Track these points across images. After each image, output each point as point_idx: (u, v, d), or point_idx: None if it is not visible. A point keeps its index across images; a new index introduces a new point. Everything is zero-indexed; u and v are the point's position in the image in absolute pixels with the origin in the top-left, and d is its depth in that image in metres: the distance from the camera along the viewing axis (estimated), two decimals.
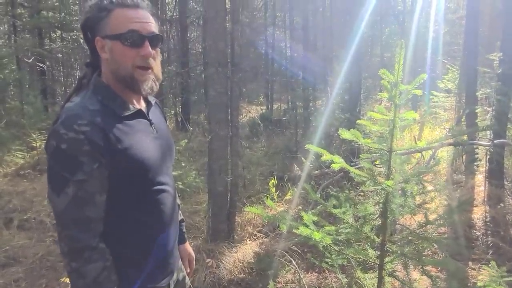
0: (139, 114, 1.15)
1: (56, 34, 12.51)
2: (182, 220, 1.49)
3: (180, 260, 1.39)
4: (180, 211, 1.47)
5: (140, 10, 1.09)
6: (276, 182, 4.94)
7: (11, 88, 9.81)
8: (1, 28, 14.10)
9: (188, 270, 1.48)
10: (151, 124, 1.18)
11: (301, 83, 8.82)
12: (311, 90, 8.63)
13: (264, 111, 13.08)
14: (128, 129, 1.09)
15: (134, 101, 1.15)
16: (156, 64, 1.13)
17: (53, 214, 1.03)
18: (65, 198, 0.98)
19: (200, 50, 14.64)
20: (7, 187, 5.66)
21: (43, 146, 6.99)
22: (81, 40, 9.84)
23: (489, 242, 3.87)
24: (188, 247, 1.52)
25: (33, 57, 9.52)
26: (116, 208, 1.08)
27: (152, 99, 1.26)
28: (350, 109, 6.06)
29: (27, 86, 9.39)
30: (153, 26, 1.11)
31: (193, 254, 1.53)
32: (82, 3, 11.03)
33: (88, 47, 1.14)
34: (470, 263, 3.51)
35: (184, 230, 1.51)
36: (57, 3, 10.28)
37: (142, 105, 1.19)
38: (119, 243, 1.10)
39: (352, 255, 1.53)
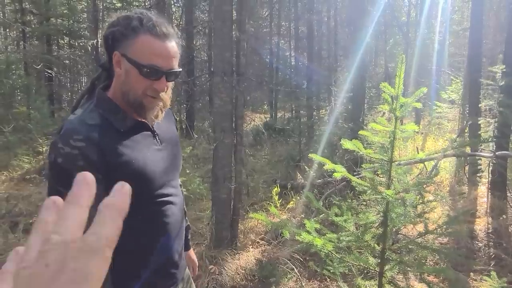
0: (142, 127, 1.14)
1: (64, 41, 12.71)
2: (188, 227, 1.49)
3: (186, 270, 1.38)
4: (186, 218, 1.48)
5: (168, 42, 1.07)
6: (279, 190, 4.97)
7: (19, 93, 9.96)
8: (11, 35, 14.33)
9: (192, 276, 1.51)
10: (154, 136, 1.17)
11: (305, 92, 8.90)
12: (315, 99, 8.70)
13: (268, 119, 13.16)
14: (127, 144, 1.08)
15: (137, 115, 1.15)
16: (167, 94, 1.12)
17: None
18: None
19: (206, 58, 14.80)
20: (13, 191, 5.72)
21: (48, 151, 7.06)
22: (89, 47, 9.99)
23: (491, 254, 3.88)
24: (192, 253, 1.54)
25: (41, 63, 9.67)
26: None
27: None
28: (354, 119, 6.10)
29: (34, 91, 9.52)
30: (175, 61, 1.10)
31: (196, 261, 1.55)
32: (90, 11, 11.21)
33: (107, 54, 1.14)
34: (471, 274, 3.52)
35: (189, 237, 1.51)
36: (66, 11, 10.47)
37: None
38: (120, 253, 1.11)
39: (352, 262, 1.56)
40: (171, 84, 1.15)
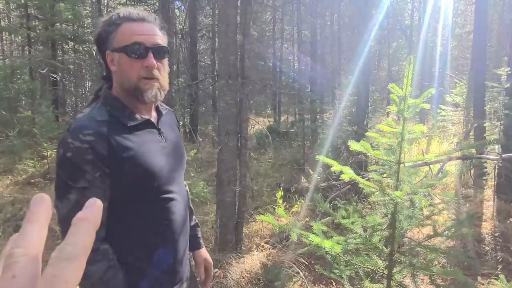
0: (147, 123, 1.16)
1: (68, 46, 12.79)
2: (196, 225, 1.47)
3: (188, 268, 1.39)
4: (194, 216, 1.47)
5: (146, 23, 1.13)
6: (282, 193, 4.95)
7: (23, 98, 10.02)
8: (16, 40, 14.46)
9: (203, 277, 1.43)
10: (160, 133, 1.19)
11: (308, 96, 8.90)
12: (319, 103, 8.69)
13: (271, 123, 13.17)
14: (134, 139, 1.10)
15: (143, 112, 1.18)
16: (162, 76, 1.15)
17: (58, 220, 1.05)
18: (67, 204, 1.01)
19: (209, 62, 14.86)
20: (18, 195, 5.74)
21: (53, 155, 7.11)
22: (94, 52, 10.05)
23: (498, 257, 3.84)
24: (205, 252, 1.47)
25: (46, 68, 9.74)
26: (124, 215, 1.10)
27: (164, 108, 1.28)
28: (358, 122, 6.09)
29: (38, 96, 9.58)
30: (158, 38, 1.14)
31: (211, 260, 1.47)
32: (94, 16, 11.30)
33: (103, 60, 1.19)
34: (479, 278, 3.48)
35: (200, 235, 1.48)
36: (71, 16, 10.55)
37: (153, 115, 1.22)
38: (127, 250, 1.11)
39: (360, 264, 1.55)
40: (165, 66, 1.17)
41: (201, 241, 1.48)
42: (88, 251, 0.29)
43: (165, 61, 1.18)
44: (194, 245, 1.44)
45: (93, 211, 0.31)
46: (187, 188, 1.46)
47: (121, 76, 1.12)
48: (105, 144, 1.04)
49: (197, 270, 1.44)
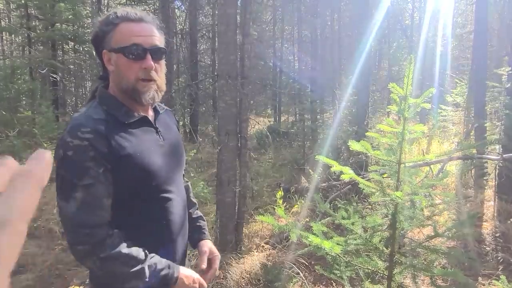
0: (144, 122, 1.16)
1: (68, 46, 12.79)
2: (200, 217, 1.43)
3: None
4: (198, 210, 1.45)
5: (144, 24, 1.13)
6: (282, 194, 4.93)
7: (24, 98, 10.01)
8: (16, 40, 14.47)
9: (204, 266, 1.27)
10: (157, 132, 1.19)
11: (309, 96, 8.88)
12: (319, 103, 8.68)
13: (271, 123, 13.16)
14: (131, 137, 1.10)
15: (140, 110, 1.17)
16: (160, 77, 1.15)
17: (63, 222, 1.03)
18: (74, 203, 1.01)
19: (209, 62, 14.86)
20: None
21: (53, 155, 7.07)
22: (94, 52, 10.06)
23: (499, 258, 3.83)
24: (210, 244, 1.36)
25: (46, 68, 9.74)
26: (123, 215, 1.10)
27: (161, 108, 1.28)
28: (358, 122, 6.07)
29: (38, 96, 9.57)
30: (156, 39, 1.13)
31: (217, 253, 1.35)
32: (94, 16, 11.29)
33: (99, 60, 1.18)
34: (480, 278, 3.47)
35: (204, 227, 1.41)
36: (71, 16, 10.54)
37: (150, 114, 1.21)
38: None
39: (361, 265, 1.54)
40: (162, 67, 1.17)
41: (206, 232, 1.41)
42: (29, 215, 0.22)
43: (163, 62, 1.17)
44: (198, 236, 1.38)
45: (37, 164, 0.24)
46: (188, 183, 1.45)
47: (118, 76, 1.12)
48: (104, 142, 1.04)
49: (199, 259, 1.32)
